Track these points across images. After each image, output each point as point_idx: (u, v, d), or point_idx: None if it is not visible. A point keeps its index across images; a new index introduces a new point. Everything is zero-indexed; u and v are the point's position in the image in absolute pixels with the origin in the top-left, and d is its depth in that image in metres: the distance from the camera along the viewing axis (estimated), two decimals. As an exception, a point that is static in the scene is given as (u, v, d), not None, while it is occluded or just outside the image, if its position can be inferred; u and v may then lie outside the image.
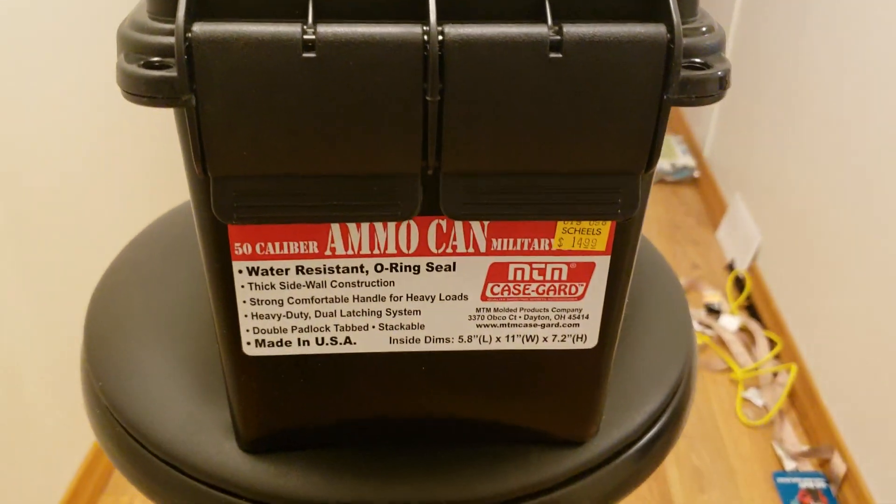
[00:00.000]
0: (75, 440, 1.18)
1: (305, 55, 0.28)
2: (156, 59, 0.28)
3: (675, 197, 2.08)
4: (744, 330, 1.62)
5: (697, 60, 0.30)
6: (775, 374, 1.50)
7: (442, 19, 0.29)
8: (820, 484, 1.30)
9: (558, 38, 0.28)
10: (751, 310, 1.67)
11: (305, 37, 0.28)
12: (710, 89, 0.29)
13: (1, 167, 0.95)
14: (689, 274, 1.79)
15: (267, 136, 0.29)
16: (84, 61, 1.13)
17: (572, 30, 0.28)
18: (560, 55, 0.28)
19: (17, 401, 1.02)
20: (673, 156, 2.14)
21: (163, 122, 1.41)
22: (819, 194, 1.44)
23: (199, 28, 0.27)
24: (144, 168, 1.35)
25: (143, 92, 0.28)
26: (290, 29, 0.28)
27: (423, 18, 0.28)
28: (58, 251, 1.09)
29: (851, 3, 1.36)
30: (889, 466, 1.18)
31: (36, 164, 1.03)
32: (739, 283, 1.73)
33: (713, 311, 1.65)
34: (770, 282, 1.64)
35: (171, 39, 0.28)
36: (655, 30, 0.28)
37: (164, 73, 0.28)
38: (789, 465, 1.34)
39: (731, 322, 1.62)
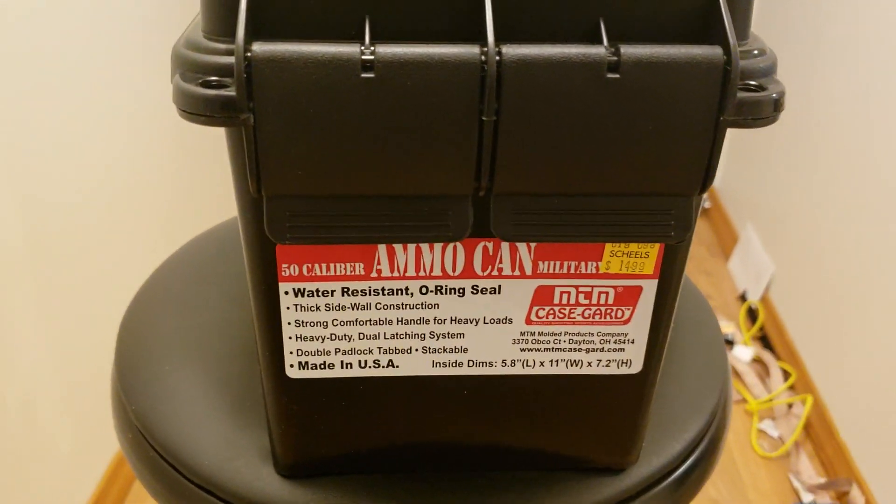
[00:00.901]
0: (89, 465, 1.17)
1: (364, 75, 0.28)
2: (213, 78, 0.29)
3: (686, 227, 2.08)
4: (757, 361, 1.61)
5: (752, 83, 0.30)
6: (790, 406, 1.49)
7: (499, 41, 0.29)
8: (838, 517, 1.29)
9: (616, 58, 0.28)
10: (764, 340, 1.66)
11: (364, 57, 0.28)
12: (765, 111, 0.29)
13: (24, 189, 0.96)
14: (701, 304, 1.78)
15: (323, 156, 0.29)
16: (112, 81, 1.14)
17: (630, 51, 0.28)
18: (618, 76, 0.28)
19: (32, 426, 1.01)
20: (683, 186, 2.14)
21: (190, 147, 1.42)
22: (831, 224, 1.44)
23: (258, 47, 0.27)
24: (170, 193, 1.36)
25: (202, 111, 0.28)
26: (349, 49, 0.28)
27: (479, 40, 0.28)
28: (77, 277, 1.09)
29: (864, 31, 1.37)
30: (909, 500, 1.16)
31: (59, 186, 1.03)
32: (752, 314, 1.73)
33: (726, 342, 1.64)
34: (783, 312, 1.63)
35: (229, 59, 0.28)
36: (712, 52, 0.28)
37: (223, 93, 0.28)
38: (807, 498, 1.32)
39: (744, 353, 1.61)
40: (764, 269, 1.72)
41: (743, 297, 1.78)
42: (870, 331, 1.29)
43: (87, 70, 1.09)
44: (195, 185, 1.48)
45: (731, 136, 2.04)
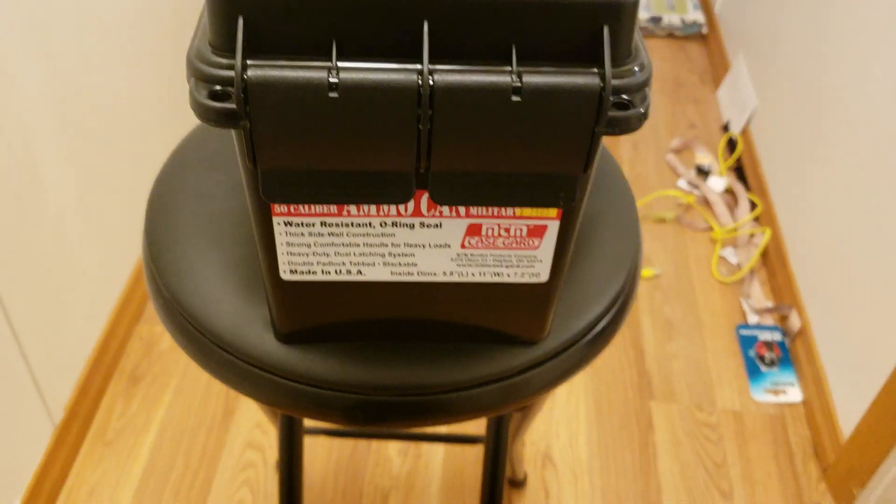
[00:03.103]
0: (113, 278, 1.33)
1: (331, 94, 0.38)
2: (218, 88, 0.38)
3: (682, 52, 2.11)
4: (729, 191, 1.73)
5: (625, 97, 0.39)
6: (752, 236, 1.63)
7: (434, 58, 0.38)
8: (776, 337, 1.46)
9: (518, 85, 0.38)
10: (739, 171, 1.77)
11: (331, 80, 0.37)
12: (632, 125, 0.39)
13: (54, 71, 1.03)
14: (685, 133, 1.87)
15: (302, 146, 0.39)
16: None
17: (529, 79, 0.38)
18: (519, 98, 0.38)
19: (63, 247, 1.15)
20: (683, 10, 2.15)
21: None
22: (817, 66, 1.50)
23: (252, 73, 0.37)
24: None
25: (212, 119, 0.38)
26: (319, 75, 0.37)
27: (419, 57, 0.38)
28: (98, 110, 1.18)
29: None
30: (836, 326, 1.33)
31: (85, 66, 1.10)
32: (732, 145, 1.82)
33: (703, 172, 1.75)
34: (760, 147, 1.72)
35: (231, 73, 0.38)
36: (591, 81, 0.38)
37: (226, 105, 0.38)
38: (752, 319, 1.49)
39: (718, 183, 1.72)
40: (748, 102, 1.79)
41: (726, 128, 1.87)
42: (834, 176, 1.40)
43: None
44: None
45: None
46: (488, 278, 0.50)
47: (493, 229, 0.47)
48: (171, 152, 0.67)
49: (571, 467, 1.25)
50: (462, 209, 0.46)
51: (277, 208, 0.45)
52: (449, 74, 0.38)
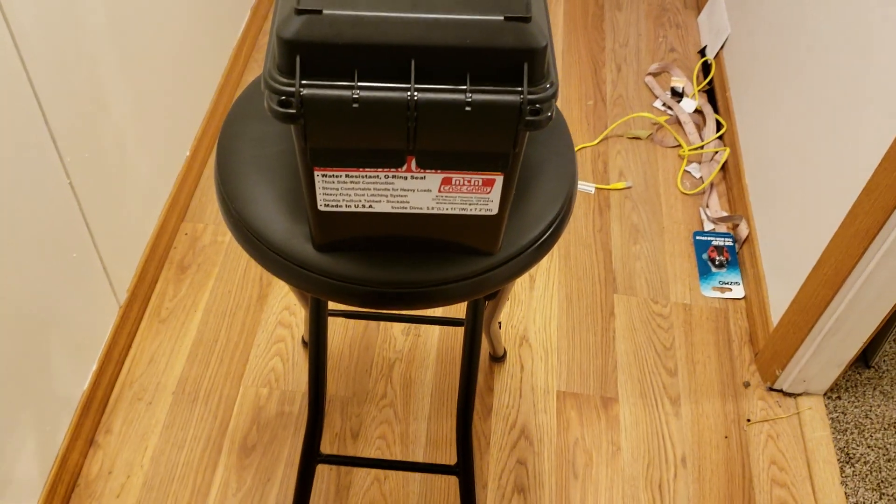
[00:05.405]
0: (162, 183, 1.57)
1: (353, 106, 0.61)
2: (283, 97, 0.61)
3: (671, -25, 2.27)
4: (699, 112, 1.93)
5: (538, 106, 0.62)
6: (715, 153, 1.84)
7: (418, 80, 0.61)
8: (728, 242, 1.71)
9: (469, 101, 0.61)
10: (710, 94, 1.97)
11: (353, 96, 0.60)
12: (542, 125, 0.62)
13: (117, 10, 1.24)
14: (665, 57, 2.06)
15: (335, 135, 0.63)
16: None
17: (476, 97, 0.61)
18: (470, 109, 0.61)
19: (123, 157, 1.39)
20: (675, -67, 2.29)
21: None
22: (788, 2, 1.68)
23: (306, 91, 0.60)
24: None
25: (279, 118, 0.61)
26: (346, 93, 0.60)
27: (409, 80, 0.61)
28: (155, 50, 1.39)
29: None
30: (776, 235, 1.57)
31: (142, 6, 1.30)
32: (707, 69, 2.01)
33: (677, 94, 1.96)
34: (730, 71, 1.92)
35: (292, 89, 0.61)
36: (515, 99, 0.61)
37: (289, 111, 0.61)
38: (708, 227, 1.73)
39: (689, 105, 1.93)
40: (722, 29, 1.97)
41: (703, 53, 2.05)
42: (788, 100, 1.60)
43: None
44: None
45: None
46: (457, 211, 0.74)
47: (459, 181, 0.71)
48: (231, 105, 0.90)
49: (544, 346, 1.52)
50: (438, 169, 0.69)
51: (318, 167, 0.69)
52: (427, 93, 0.61)
